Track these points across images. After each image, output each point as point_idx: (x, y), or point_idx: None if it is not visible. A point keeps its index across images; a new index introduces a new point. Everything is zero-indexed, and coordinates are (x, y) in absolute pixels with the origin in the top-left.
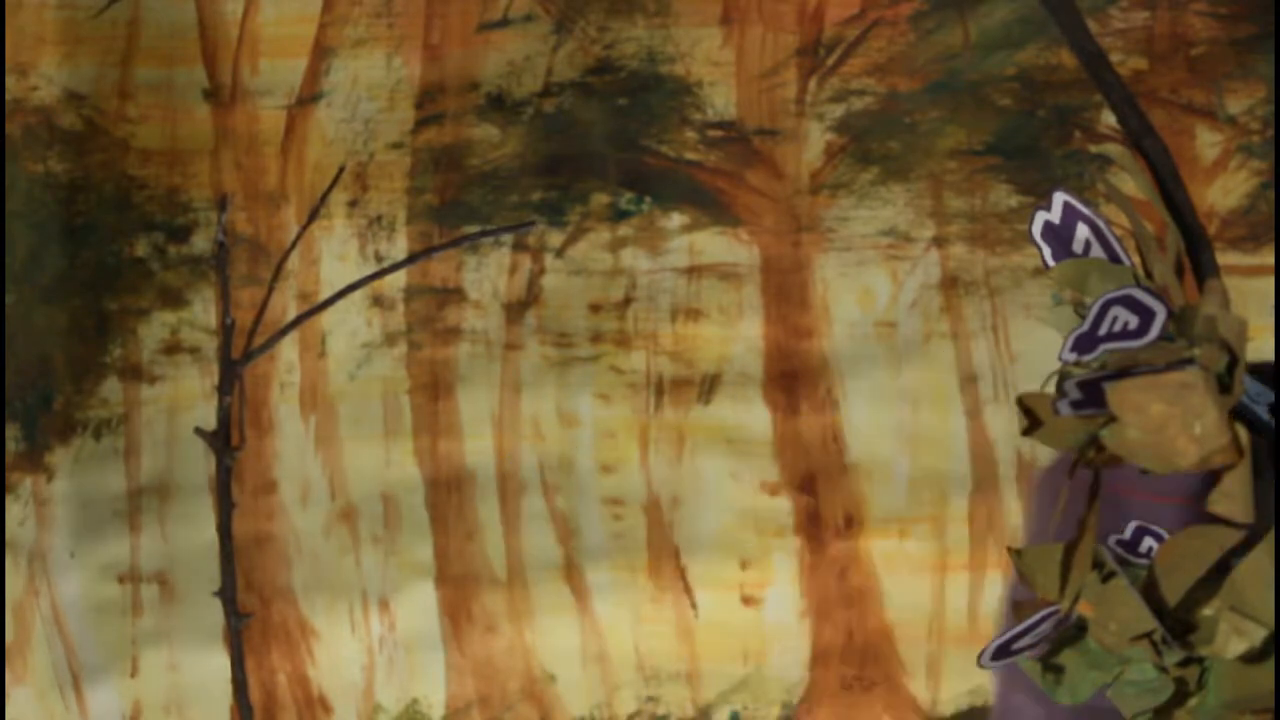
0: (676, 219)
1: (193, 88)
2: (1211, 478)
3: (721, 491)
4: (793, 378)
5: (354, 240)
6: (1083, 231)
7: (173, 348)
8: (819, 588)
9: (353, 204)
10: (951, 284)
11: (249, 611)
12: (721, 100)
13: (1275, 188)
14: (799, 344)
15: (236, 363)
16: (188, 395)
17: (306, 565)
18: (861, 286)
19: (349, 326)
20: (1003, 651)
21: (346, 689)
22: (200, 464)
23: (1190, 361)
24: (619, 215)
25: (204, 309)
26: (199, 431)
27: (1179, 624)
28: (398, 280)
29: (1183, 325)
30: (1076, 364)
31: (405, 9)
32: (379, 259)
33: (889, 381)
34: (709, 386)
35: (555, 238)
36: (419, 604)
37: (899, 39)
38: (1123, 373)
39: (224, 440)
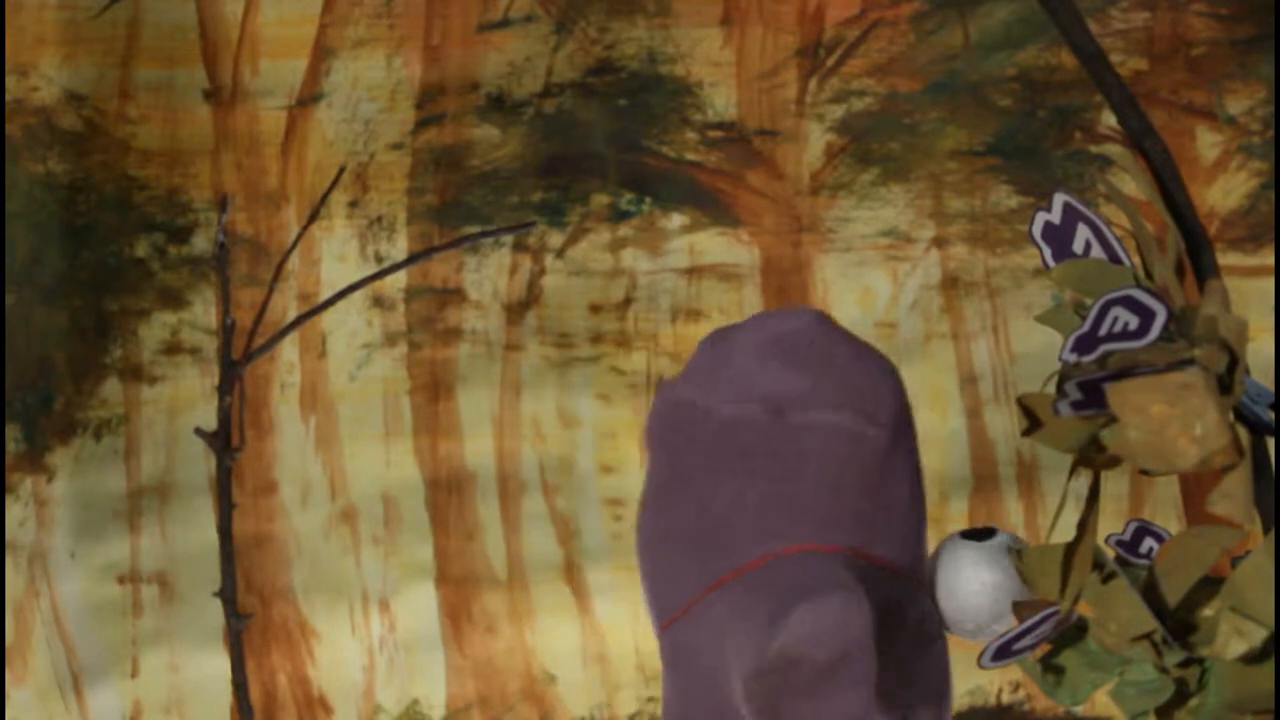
0: (677, 220)
1: (193, 88)
2: None
3: None
4: None
5: (354, 241)
6: (1083, 232)
7: (173, 348)
8: None
9: (353, 204)
10: (952, 284)
11: (249, 612)
12: (722, 101)
13: (1275, 188)
14: None
15: (237, 363)
16: (188, 395)
17: (307, 566)
18: (862, 287)
19: (349, 327)
20: (1003, 652)
21: (347, 689)
22: (200, 464)
23: (1191, 362)
24: (619, 216)
25: (204, 309)
26: (199, 432)
27: (1179, 624)
28: (398, 281)
29: (1183, 326)
30: (1077, 364)
31: (405, 10)
32: (379, 259)
33: None
34: None
35: (555, 238)
36: (419, 604)
37: (899, 39)
38: (1123, 373)
39: (224, 440)
